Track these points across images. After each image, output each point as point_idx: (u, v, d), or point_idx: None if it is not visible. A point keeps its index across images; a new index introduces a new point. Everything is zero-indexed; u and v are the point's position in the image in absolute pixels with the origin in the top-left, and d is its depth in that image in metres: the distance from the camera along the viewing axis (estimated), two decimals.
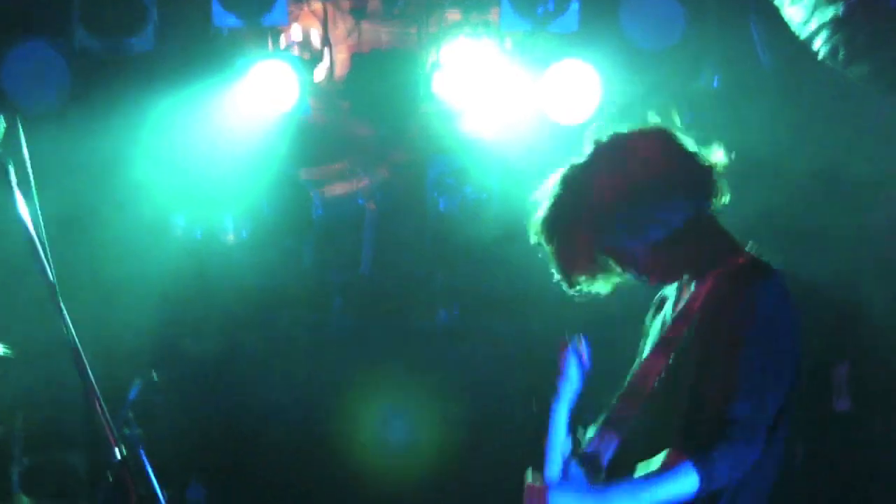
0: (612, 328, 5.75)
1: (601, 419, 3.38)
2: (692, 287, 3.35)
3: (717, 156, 3.37)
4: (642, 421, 3.26)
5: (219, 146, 6.91)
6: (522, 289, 6.96)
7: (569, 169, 3.46)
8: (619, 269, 3.41)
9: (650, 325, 3.57)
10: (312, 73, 7.08)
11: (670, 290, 3.54)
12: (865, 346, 6.51)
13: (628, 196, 3.25)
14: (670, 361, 3.24)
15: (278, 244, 7.17)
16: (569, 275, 3.38)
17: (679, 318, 3.29)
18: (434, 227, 7.21)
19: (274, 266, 7.23)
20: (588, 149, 3.45)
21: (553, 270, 3.43)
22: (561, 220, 3.36)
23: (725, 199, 3.35)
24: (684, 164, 3.31)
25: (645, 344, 3.52)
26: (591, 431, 3.36)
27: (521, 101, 6.79)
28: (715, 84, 6.69)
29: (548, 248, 3.40)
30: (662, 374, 3.21)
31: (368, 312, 7.35)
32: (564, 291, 3.45)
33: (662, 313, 3.51)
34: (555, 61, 6.67)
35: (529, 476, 3.29)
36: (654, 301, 3.63)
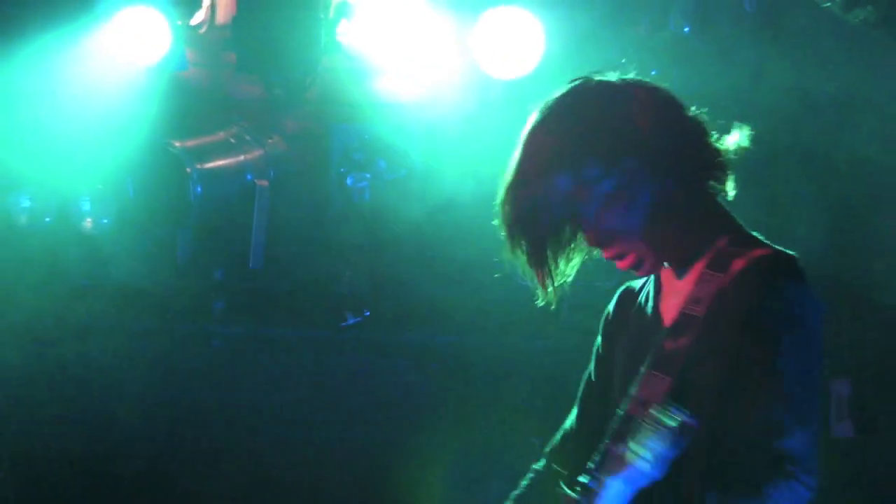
0: (567, 340, 5.53)
1: (594, 461, 2.91)
2: (681, 279, 2.96)
3: (732, 139, 2.99)
4: None
5: (73, 110, 6.25)
6: (453, 289, 6.14)
7: (544, 112, 3.00)
8: (586, 245, 2.99)
9: (616, 328, 3.18)
10: (188, 18, 6.37)
11: (640, 284, 3.17)
12: (869, 359, 5.90)
13: (614, 144, 2.85)
14: (675, 384, 2.80)
15: (146, 232, 6.37)
16: (533, 251, 2.92)
17: (679, 327, 2.83)
18: (340, 212, 6.33)
19: (141, 259, 6.40)
20: (561, 93, 3.00)
21: (504, 256, 2.99)
22: (530, 172, 2.90)
23: (730, 188, 2.98)
24: (688, 128, 2.94)
25: (614, 351, 3.14)
26: (582, 477, 2.92)
27: (449, 55, 6.00)
28: (686, 30, 5.96)
29: (504, 218, 2.94)
30: (667, 401, 2.75)
31: (258, 318, 6.48)
32: (508, 288, 3.31)
33: (635, 313, 3.11)
34: (490, 7, 5.97)
35: None
36: (618, 297, 3.24)
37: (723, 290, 2.79)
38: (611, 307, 3.23)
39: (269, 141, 6.51)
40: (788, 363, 2.77)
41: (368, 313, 6.30)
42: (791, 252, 2.86)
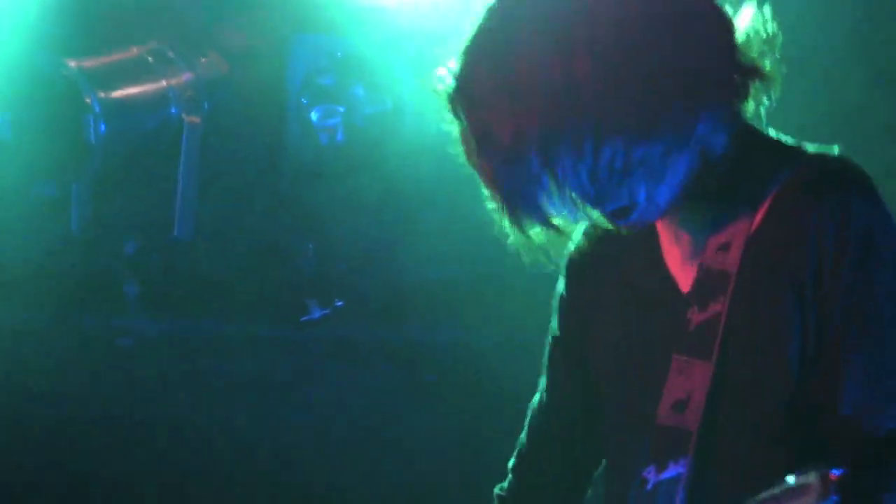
0: None
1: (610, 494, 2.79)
2: (688, 223, 2.68)
3: (761, 60, 2.61)
4: (705, 471, 2.60)
5: None
6: (450, 269, 5.74)
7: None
8: (580, 198, 2.57)
9: (585, 308, 2.87)
10: None
11: (601, 244, 2.83)
12: None
13: (643, 48, 2.48)
14: (719, 371, 2.55)
15: (31, 188, 5.80)
16: (506, 201, 2.60)
17: (704, 289, 2.58)
18: (302, 161, 5.79)
19: (23, 225, 5.78)
20: None
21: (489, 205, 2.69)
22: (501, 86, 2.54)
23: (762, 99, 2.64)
24: (722, 41, 2.58)
25: (591, 339, 2.85)
26: None
27: None
28: None
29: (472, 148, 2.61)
30: (712, 393, 2.55)
31: (186, 310, 5.91)
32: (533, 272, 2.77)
33: (620, 283, 2.80)
34: None
35: None
36: (567, 268, 2.90)
37: (760, 223, 2.56)
38: (561, 285, 2.95)
39: (203, 59, 5.93)
40: (892, 307, 2.50)
41: (341, 303, 5.82)
42: (838, 154, 2.60)
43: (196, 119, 5.84)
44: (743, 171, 2.62)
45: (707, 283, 2.63)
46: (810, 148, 2.66)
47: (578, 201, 2.58)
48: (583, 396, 2.90)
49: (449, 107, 2.63)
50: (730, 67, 2.56)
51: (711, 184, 2.64)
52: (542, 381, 3.03)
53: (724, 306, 2.59)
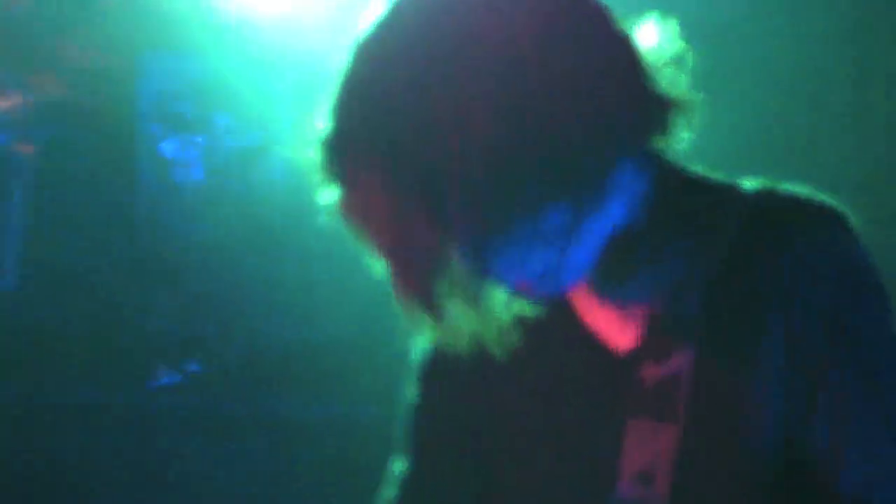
0: None
1: None
2: (623, 278, 2.21)
3: (676, 87, 2.08)
4: None
5: None
6: (326, 330, 5.42)
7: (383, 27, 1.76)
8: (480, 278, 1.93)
9: (465, 381, 2.19)
10: None
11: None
12: None
13: (533, 88, 1.89)
14: (686, 433, 2.08)
15: None
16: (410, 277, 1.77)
17: (657, 343, 2.12)
18: (152, 200, 5.46)
19: None
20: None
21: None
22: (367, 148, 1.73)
23: (682, 133, 2.08)
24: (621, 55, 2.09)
25: (481, 416, 2.23)
26: None
27: None
28: None
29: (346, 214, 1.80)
30: (682, 457, 2.06)
31: (7, 372, 5.42)
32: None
33: (515, 355, 2.11)
34: None
35: None
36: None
37: (721, 270, 2.11)
38: (420, 359, 2.21)
39: (37, 79, 5.66)
40: (877, 355, 2.06)
41: (195, 368, 5.48)
42: (794, 188, 2.12)
43: (28, 149, 5.45)
44: (677, 216, 2.23)
45: (660, 334, 2.21)
46: (750, 183, 2.27)
47: (477, 276, 2.10)
48: (469, 487, 2.42)
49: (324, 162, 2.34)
50: (643, 100, 2.19)
51: (636, 235, 2.24)
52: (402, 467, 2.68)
53: (689, 359, 2.18)
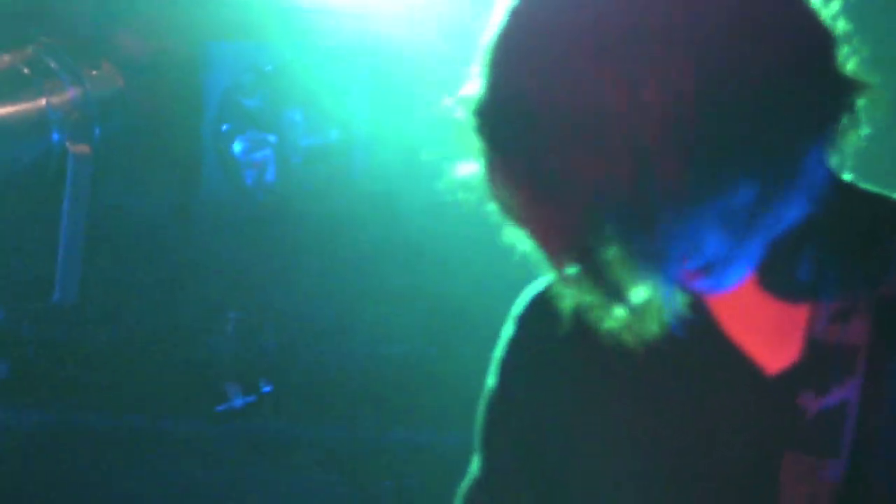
0: None
1: None
2: (786, 287, 2.32)
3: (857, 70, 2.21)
4: None
5: None
6: (409, 349, 5.15)
7: None
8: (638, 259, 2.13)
9: (555, 384, 2.47)
10: None
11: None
12: None
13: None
14: (852, 460, 2.25)
15: None
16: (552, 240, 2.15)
17: (817, 368, 2.27)
18: (221, 205, 5.10)
19: None
20: None
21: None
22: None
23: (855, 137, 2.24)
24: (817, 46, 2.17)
25: (569, 429, 2.45)
26: None
27: None
28: None
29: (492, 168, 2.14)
30: (844, 496, 2.22)
31: (69, 396, 5.15)
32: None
33: (629, 361, 2.35)
34: None
35: None
36: (522, 320, 2.53)
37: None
38: (506, 347, 2.48)
39: (93, 73, 5.23)
40: None
41: (269, 389, 5.13)
42: None
43: (85, 149, 5.09)
44: (855, 222, 2.33)
45: (823, 361, 2.27)
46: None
47: (642, 258, 2.15)
48: None
49: (478, 126, 2.16)
50: (836, 81, 2.18)
51: (810, 234, 2.30)
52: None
53: (855, 391, 2.27)
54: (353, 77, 5.09)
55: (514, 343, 2.56)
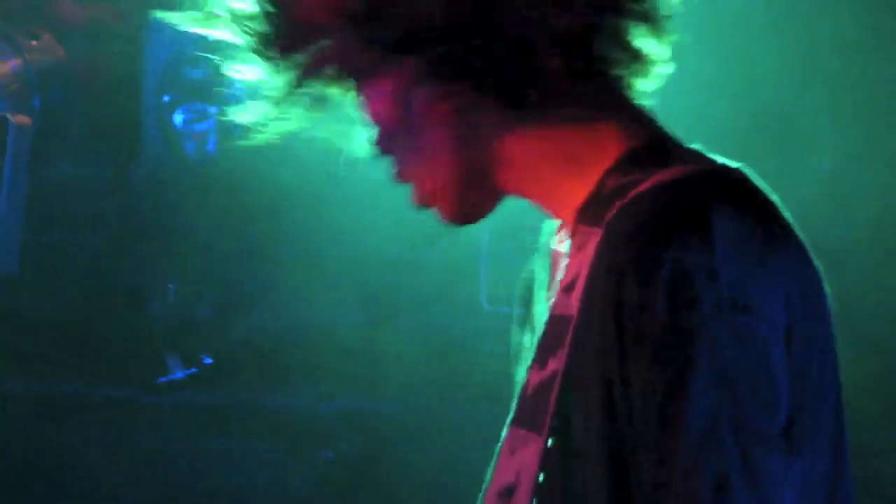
0: None
1: None
2: (567, 245, 2.19)
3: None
4: None
5: None
6: (352, 316, 5.10)
7: None
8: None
9: (518, 345, 2.41)
10: None
11: (540, 261, 2.38)
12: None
13: None
14: (550, 449, 2.08)
15: None
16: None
17: (547, 342, 2.15)
18: (161, 177, 5.14)
19: None
20: None
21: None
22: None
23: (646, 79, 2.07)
24: None
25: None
26: None
27: None
28: None
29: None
30: (542, 472, 2.09)
31: (5, 364, 5.10)
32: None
33: (530, 315, 2.38)
34: None
35: None
36: (521, 288, 2.44)
37: (593, 258, 2.05)
38: (526, 283, 2.38)
39: (33, 43, 5.31)
40: (700, 395, 1.93)
41: (210, 360, 5.16)
42: (730, 165, 2.01)
43: (25, 119, 5.16)
44: (603, 182, 2.15)
45: (551, 333, 2.15)
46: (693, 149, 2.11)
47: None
48: None
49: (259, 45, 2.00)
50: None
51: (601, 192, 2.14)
52: None
53: (561, 365, 2.10)
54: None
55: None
